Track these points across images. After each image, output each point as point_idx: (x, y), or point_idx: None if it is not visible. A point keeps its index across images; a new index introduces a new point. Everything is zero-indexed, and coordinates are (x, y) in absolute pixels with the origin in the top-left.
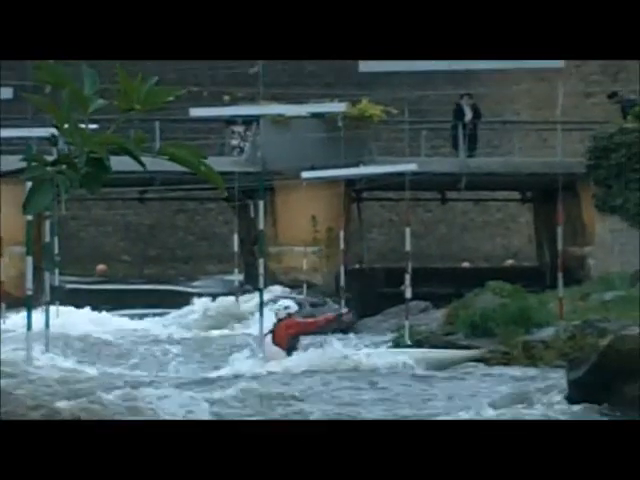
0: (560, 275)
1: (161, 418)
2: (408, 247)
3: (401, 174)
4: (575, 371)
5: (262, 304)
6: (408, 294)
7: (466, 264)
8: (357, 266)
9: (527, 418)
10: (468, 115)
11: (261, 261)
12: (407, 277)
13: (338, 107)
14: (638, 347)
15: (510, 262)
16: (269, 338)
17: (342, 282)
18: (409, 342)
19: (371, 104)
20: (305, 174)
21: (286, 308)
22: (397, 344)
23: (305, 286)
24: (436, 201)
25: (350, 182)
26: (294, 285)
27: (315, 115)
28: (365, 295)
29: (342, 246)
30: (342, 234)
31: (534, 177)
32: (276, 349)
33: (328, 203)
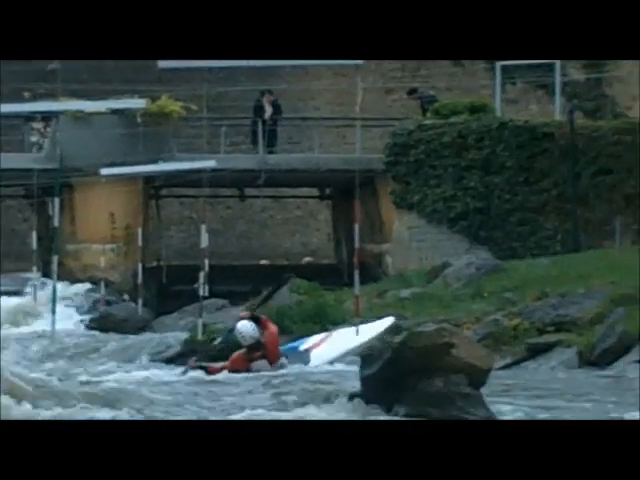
0: (356, 272)
1: None
2: (204, 244)
3: (200, 171)
4: (368, 368)
5: (55, 301)
6: (202, 291)
7: (265, 261)
8: (155, 264)
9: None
10: (268, 111)
11: (54, 258)
12: (202, 275)
13: (137, 103)
14: (432, 344)
15: (308, 259)
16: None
17: (140, 280)
18: (201, 339)
19: (171, 100)
20: (104, 171)
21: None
22: (191, 341)
23: (103, 284)
24: (235, 198)
25: (149, 179)
26: (92, 282)
27: (115, 111)
28: (163, 293)
29: (140, 243)
30: (140, 231)
31: (333, 174)
32: None
33: (126, 200)
